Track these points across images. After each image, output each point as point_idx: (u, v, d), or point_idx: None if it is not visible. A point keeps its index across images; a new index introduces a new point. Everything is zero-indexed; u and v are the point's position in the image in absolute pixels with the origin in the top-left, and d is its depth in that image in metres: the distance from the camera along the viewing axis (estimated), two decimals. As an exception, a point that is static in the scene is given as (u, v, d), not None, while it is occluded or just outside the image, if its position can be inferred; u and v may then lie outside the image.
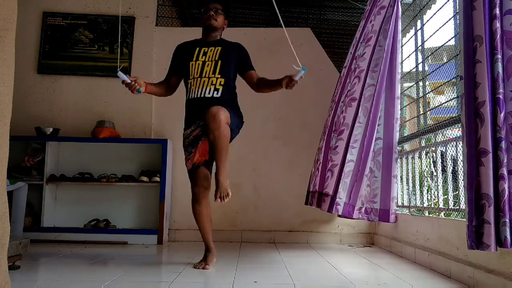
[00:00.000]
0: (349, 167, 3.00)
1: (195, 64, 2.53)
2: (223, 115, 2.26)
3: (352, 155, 3.01)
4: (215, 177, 2.35)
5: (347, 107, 3.05)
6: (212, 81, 2.48)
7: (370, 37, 3.08)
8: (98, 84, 3.99)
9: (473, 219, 1.75)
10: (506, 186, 1.65)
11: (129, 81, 2.34)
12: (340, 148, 3.02)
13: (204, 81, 2.49)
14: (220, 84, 2.48)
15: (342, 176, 2.98)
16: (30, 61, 3.99)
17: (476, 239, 1.73)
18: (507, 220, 1.64)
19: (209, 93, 2.47)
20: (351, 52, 3.26)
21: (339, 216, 3.15)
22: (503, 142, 1.68)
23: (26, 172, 3.65)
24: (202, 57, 2.54)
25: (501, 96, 1.70)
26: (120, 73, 2.27)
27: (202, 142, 2.46)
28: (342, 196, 2.99)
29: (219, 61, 2.51)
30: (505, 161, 1.67)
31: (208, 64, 2.51)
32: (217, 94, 2.47)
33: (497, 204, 1.67)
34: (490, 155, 1.69)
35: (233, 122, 2.38)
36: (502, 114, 1.69)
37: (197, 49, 2.57)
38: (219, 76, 2.49)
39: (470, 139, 1.80)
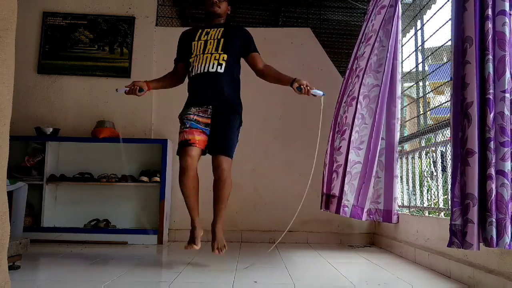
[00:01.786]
0: (356, 168, 2.96)
1: (197, 44, 2.53)
2: (227, 165, 2.33)
3: (359, 157, 2.98)
4: (211, 227, 2.41)
5: (349, 107, 3.04)
6: (215, 56, 2.47)
7: (370, 37, 3.07)
8: (98, 84, 3.99)
9: (455, 218, 1.78)
10: (493, 186, 1.66)
11: (127, 89, 2.50)
12: (343, 148, 3.00)
13: (207, 56, 2.47)
14: (223, 60, 2.46)
15: (349, 178, 2.95)
16: (30, 61, 3.99)
17: (461, 238, 1.76)
18: (494, 220, 1.65)
19: (212, 68, 2.45)
20: (354, 53, 3.24)
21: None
22: (492, 142, 1.69)
23: (26, 172, 3.65)
24: (204, 37, 2.54)
25: (491, 97, 1.71)
26: (119, 91, 2.53)
27: (204, 135, 2.44)
28: (349, 198, 2.95)
29: (222, 39, 2.50)
30: (493, 161, 1.68)
31: (210, 42, 2.51)
32: (220, 69, 2.45)
33: (484, 204, 1.69)
34: (476, 156, 1.70)
35: (234, 133, 2.46)
36: (491, 115, 1.70)
37: (200, 30, 2.58)
38: (222, 52, 2.47)
39: (455, 139, 1.82)
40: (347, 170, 2.96)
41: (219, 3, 2.56)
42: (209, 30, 2.56)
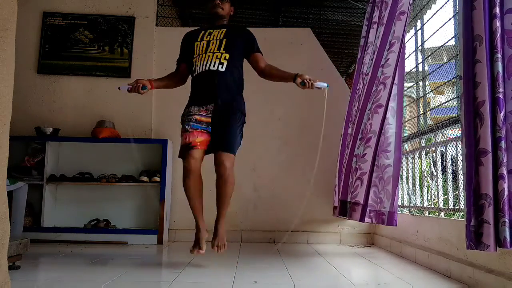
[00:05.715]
0: (388, 172, 2.83)
1: (200, 44, 2.53)
2: (229, 162, 2.32)
3: (388, 160, 2.84)
4: (214, 224, 2.41)
5: (374, 114, 2.92)
6: (217, 55, 2.47)
7: (394, 43, 2.95)
8: (98, 84, 3.99)
9: (472, 219, 1.74)
10: (505, 185, 1.65)
11: (129, 86, 2.48)
12: (368, 156, 2.90)
13: (209, 55, 2.48)
14: (225, 59, 2.47)
15: (383, 184, 2.82)
16: (30, 61, 3.99)
17: (475, 239, 1.72)
18: (507, 220, 1.63)
19: (214, 66, 2.45)
20: (371, 59, 3.11)
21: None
22: (503, 141, 1.67)
23: (26, 172, 3.65)
24: (207, 37, 2.54)
25: (501, 96, 1.69)
26: (121, 88, 2.49)
27: (205, 134, 2.45)
28: (386, 205, 2.79)
29: (224, 39, 2.50)
30: (504, 160, 1.66)
31: (212, 43, 2.51)
32: (222, 67, 2.45)
33: (497, 204, 1.66)
34: (490, 155, 1.69)
35: (236, 130, 2.43)
36: (502, 114, 1.69)
37: (203, 32, 2.59)
38: (224, 51, 2.48)
39: (469, 139, 1.80)
40: (380, 176, 2.85)
41: (222, 4, 2.57)
42: (212, 31, 2.56)
